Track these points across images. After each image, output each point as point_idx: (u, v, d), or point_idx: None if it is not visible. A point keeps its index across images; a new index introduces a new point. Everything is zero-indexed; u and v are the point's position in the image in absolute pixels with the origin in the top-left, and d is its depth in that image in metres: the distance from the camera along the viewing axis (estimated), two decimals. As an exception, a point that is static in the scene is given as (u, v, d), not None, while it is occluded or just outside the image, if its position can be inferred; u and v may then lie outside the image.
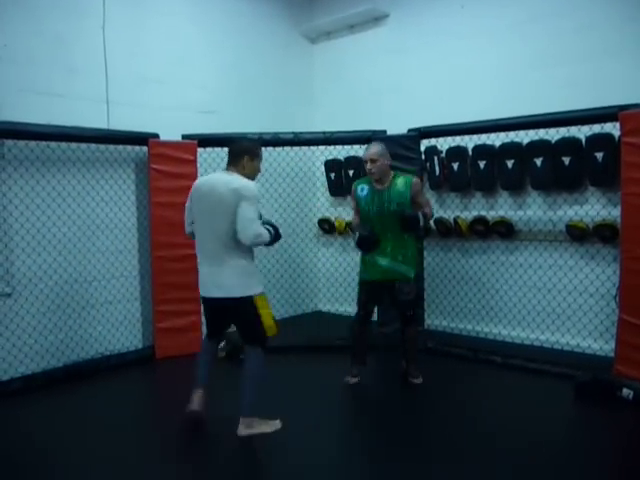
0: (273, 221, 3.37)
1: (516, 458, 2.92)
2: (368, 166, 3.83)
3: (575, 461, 2.89)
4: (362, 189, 3.94)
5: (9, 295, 4.17)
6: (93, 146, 4.57)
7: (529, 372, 4.20)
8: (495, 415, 3.51)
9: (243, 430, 3.12)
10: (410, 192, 3.83)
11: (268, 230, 3.16)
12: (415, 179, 3.92)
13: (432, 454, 3.02)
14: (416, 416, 3.56)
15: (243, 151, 3.23)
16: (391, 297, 3.96)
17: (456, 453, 3.00)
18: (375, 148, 3.85)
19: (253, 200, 3.04)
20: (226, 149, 5.12)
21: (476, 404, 3.71)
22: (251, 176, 3.23)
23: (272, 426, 3.20)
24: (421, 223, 3.81)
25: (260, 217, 3.19)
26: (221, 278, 3.13)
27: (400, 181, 3.86)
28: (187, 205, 3.34)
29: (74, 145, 4.45)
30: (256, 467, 2.94)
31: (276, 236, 3.25)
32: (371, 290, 3.98)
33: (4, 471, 2.90)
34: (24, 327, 4.23)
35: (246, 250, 3.14)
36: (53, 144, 4.33)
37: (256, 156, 3.27)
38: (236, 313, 3.20)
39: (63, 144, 4.38)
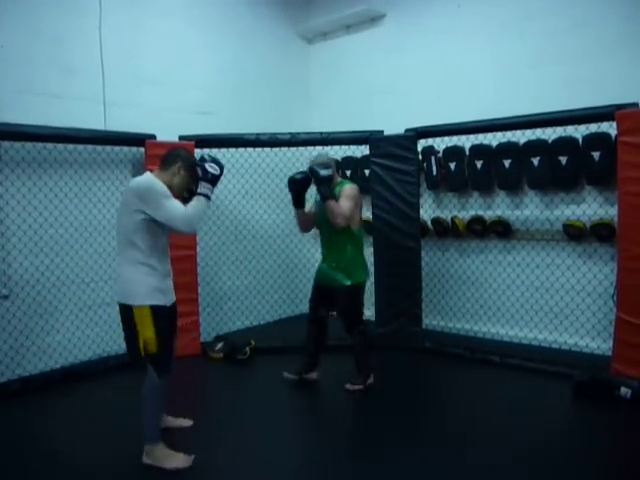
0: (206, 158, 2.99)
1: (514, 457, 2.92)
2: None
3: (573, 460, 2.89)
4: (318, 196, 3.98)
5: (6, 297, 4.16)
6: (90, 147, 4.56)
7: (527, 371, 4.20)
8: (493, 415, 3.51)
9: (145, 458, 2.92)
10: (338, 195, 3.84)
11: (198, 194, 2.87)
12: (348, 185, 3.89)
13: (430, 454, 3.02)
14: (414, 416, 3.56)
15: (179, 157, 2.98)
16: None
17: (454, 453, 3.00)
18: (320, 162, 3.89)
19: (157, 196, 2.77)
20: (224, 150, 5.21)
21: (473, 404, 3.71)
22: (180, 187, 2.97)
23: (176, 461, 2.89)
24: (320, 174, 3.71)
25: (189, 193, 3.00)
26: (117, 281, 2.97)
27: (337, 189, 3.87)
28: None
29: (71, 146, 4.44)
30: (253, 466, 2.93)
31: (213, 177, 2.92)
32: (316, 292, 4.09)
33: (3, 472, 2.89)
34: (21, 329, 4.22)
35: (140, 252, 2.83)
36: (50, 145, 4.32)
37: (191, 169, 2.98)
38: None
39: (60, 145, 4.37)
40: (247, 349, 4.76)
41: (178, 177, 2.95)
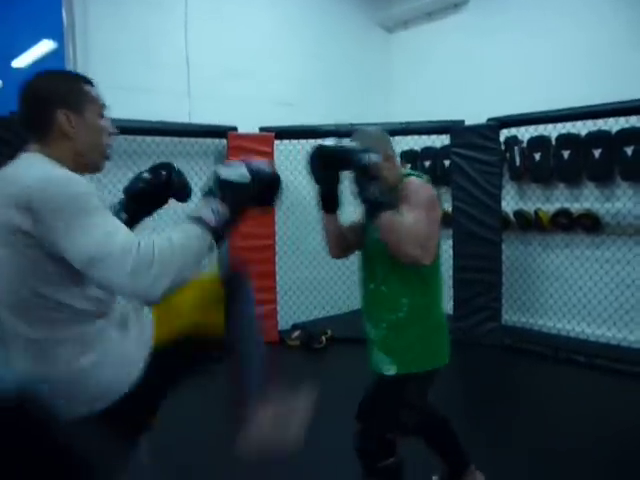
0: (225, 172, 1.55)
1: (602, 466, 2.79)
2: None
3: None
4: None
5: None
6: (175, 139, 4.74)
7: (615, 373, 4.01)
8: (577, 420, 3.35)
9: None
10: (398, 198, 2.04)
11: (191, 219, 1.40)
12: (417, 181, 2.11)
13: (509, 457, 2.95)
14: (492, 418, 3.48)
15: (53, 97, 1.45)
16: None
17: (534, 453, 2.91)
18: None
19: (84, 207, 1.28)
20: (303, 142, 5.24)
21: (557, 406, 3.57)
22: (89, 159, 1.51)
23: None
24: (362, 160, 1.99)
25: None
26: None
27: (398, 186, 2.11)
28: None
29: (158, 139, 4.63)
30: (327, 453, 2.97)
31: (230, 187, 1.48)
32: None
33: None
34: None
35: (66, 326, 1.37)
36: (139, 138, 4.52)
37: (87, 100, 1.54)
38: None
39: (148, 138, 4.57)
40: (323, 338, 4.83)
41: (80, 137, 1.47)
